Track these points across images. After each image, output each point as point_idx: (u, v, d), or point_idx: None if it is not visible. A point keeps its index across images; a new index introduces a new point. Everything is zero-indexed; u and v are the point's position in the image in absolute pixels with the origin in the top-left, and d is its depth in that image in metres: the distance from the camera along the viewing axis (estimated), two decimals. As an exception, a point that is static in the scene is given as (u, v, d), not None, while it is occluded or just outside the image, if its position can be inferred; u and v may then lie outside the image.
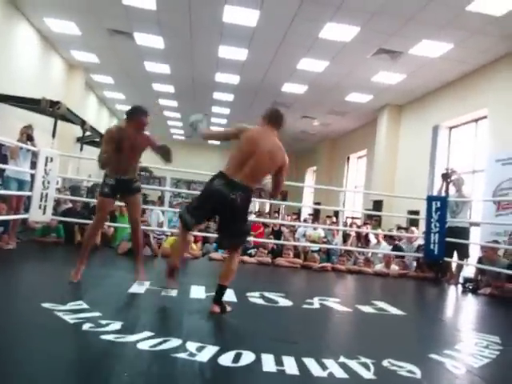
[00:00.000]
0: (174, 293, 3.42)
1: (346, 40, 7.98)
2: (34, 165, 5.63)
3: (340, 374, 2.16)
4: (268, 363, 2.17)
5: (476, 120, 9.02)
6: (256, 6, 7.07)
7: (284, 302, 3.78)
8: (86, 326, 2.44)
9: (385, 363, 2.37)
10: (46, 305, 2.78)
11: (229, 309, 3.12)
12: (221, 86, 11.76)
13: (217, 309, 3.03)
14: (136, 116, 3.77)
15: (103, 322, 2.55)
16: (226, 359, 2.17)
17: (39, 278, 3.92)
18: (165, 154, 3.81)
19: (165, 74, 11.36)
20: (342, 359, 2.36)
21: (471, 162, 9.12)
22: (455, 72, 8.92)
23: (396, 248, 7.10)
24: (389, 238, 7.49)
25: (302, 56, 9.03)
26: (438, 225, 6.53)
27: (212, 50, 9.21)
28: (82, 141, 10.85)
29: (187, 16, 7.72)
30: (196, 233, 7.16)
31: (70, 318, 2.56)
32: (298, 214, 16.19)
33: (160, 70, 11.00)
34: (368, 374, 2.20)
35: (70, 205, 6.65)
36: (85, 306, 2.87)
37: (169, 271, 3.18)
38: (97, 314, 2.70)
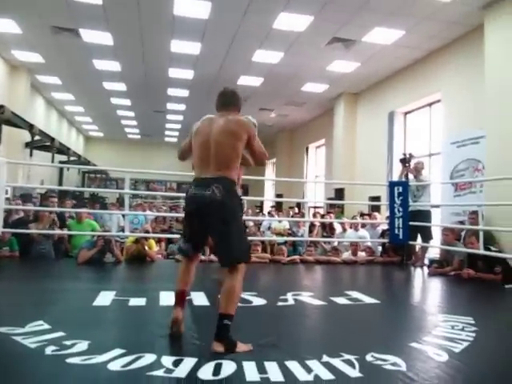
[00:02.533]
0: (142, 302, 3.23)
1: (300, 30, 7.92)
2: (-22, 175, 5.23)
3: (326, 375, 2.09)
4: (251, 372, 2.07)
5: (430, 104, 9.23)
6: (207, -3, 6.87)
7: (258, 301, 3.68)
8: (49, 350, 2.24)
9: (368, 358, 2.33)
10: (1, 329, 2.54)
11: (244, 347, 2.38)
12: (175, 81, 11.45)
13: (219, 347, 2.32)
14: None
15: (68, 342, 2.35)
16: (205, 372, 2.04)
17: (-8, 297, 3.61)
18: None
19: (115, 72, 10.92)
20: (325, 358, 2.29)
21: (427, 146, 9.33)
22: (408, 58, 9.08)
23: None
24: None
25: (257, 48, 8.91)
26: (401, 209, 6.63)
27: (164, 44, 8.91)
28: (31, 146, 10.29)
29: (136, 10, 7.40)
30: (159, 235, 6.98)
31: (30, 342, 2.34)
32: (261, 207, 16.16)
33: (110, 67, 10.56)
34: (354, 372, 2.14)
35: (22, 214, 6.23)
36: (46, 326, 2.64)
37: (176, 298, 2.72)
38: (60, 334, 2.49)
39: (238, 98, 2.86)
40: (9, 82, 10.73)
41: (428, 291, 5.08)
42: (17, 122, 8.80)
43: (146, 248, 5.99)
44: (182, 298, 2.70)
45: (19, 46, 9.49)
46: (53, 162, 11.85)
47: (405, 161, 6.95)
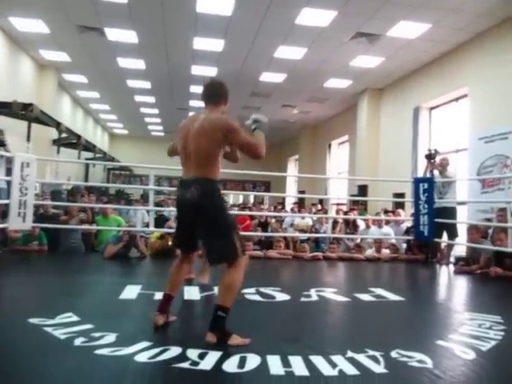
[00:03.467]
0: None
1: (323, 25, 7.85)
2: (9, 171, 5.39)
3: (350, 370, 2.08)
4: (275, 365, 2.07)
5: (457, 99, 9.03)
6: (230, -7, 6.89)
7: (281, 297, 3.68)
8: (78, 341, 2.29)
9: (393, 354, 2.30)
10: (33, 320, 2.62)
11: (239, 340, 2.37)
12: (198, 79, 11.51)
13: (211, 338, 2.36)
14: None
15: (96, 334, 2.40)
16: (230, 365, 2.06)
17: (23, 290, 3.71)
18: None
19: (139, 70, 11.06)
20: (349, 354, 2.28)
21: (454, 142, 9.14)
22: (434, 52, 8.89)
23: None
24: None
25: (280, 44, 8.88)
26: (426, 206, 6.54)
27: (187, 42, 8.98)
28: (58, 143, 10.53)
29: (160, 8, 7.48)
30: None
31: (60, 333, 2.40)
32: (283, 203, 16.13)
33: (134, 65, 10.71)
34: (379, 368, 2.12)
35: (53, 210, 6.40)
36: (75, 318, 2.71)
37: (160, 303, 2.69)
38: (89, 326, 2.55)
39: (225, 91, 2.75)
40: (37, 81, 11.01)
41: (454, 289, 5.00)
42: (45, 119, 9.01)
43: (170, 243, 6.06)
44: (166, 305, 2.66)
45: (47, 45, 9.72)
46: (79, 159, 12.09)
47: (430, 157, 6.82)
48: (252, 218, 8.22)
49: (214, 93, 2.73)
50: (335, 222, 7.58)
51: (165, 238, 6.03)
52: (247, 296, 3.62)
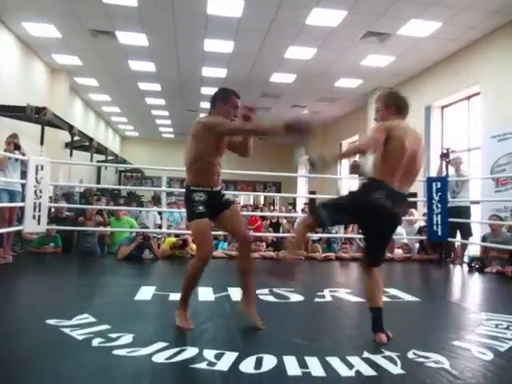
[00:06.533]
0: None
1: (333, 25, 7.83)
2: (23, 174, 5.46)
3: (368, 371, 2.08)
4: (292, 366, 2.08)
5: (468, 97, 8.94)
6: (240, -5, 6.90)
7: (295, 297, 3.68)
8: (95, 342, 2.32)
9: (410, 355, 2.30)
10: (50, 321, 2.66)
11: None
12: (208, 80, 11.56)
13: (385, 338, 2.53)
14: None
15: (113, 335, 2.43)
16: (247, 366, 2.07)
17: (40, 291, 3.76)
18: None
19: (150, 72, 11.13)
20: (366, 355, 2.28)
21: (466, 140, 9.05)
22: (445, 50, 8.82)
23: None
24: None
25: (290, 44, 8.87)
26: (439, 206, 6.47)
27: (197, 43, 9.01)
28: (71, 146, 10.63)
29: (170, 10, 7.52)
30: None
31: (77, 334, 2.44)
32: (294, 204, 16.11)
33: (145, 68, 10.77)
34: (396, 369, 2.11)
35: (67, 213, 6.47)
36: (92, 319, 2.74)
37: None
38: (105, 326, 2.58)
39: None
40: (49, 85, 11.14)
41: (469, 289, 4.95)
42: (57, 123, 9.09)
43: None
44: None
45: (59, 49, 9.83)
46: (91, 161, 12.20)
47: (445, 155, 6.75)
48: (263, 218, 8.24)
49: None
50: (347, 223, 7.54)
51: (176, 248, 5.99)
52: (261, 296, 3.63)
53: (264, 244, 6.46)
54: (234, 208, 2.95)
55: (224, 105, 2.87)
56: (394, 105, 2.77)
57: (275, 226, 8.02)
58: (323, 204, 2.67)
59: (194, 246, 6.27)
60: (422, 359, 2.24)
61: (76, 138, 10.47)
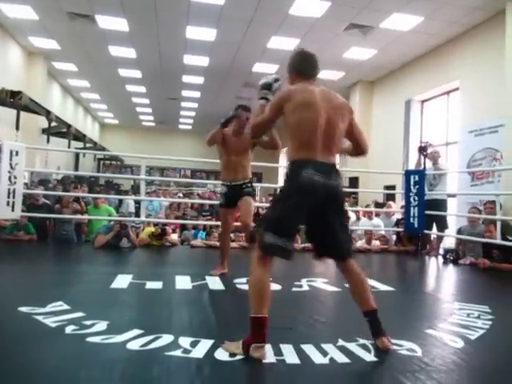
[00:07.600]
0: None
1: (317, 16, 7.82)
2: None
3: (341, 358, 2.10)
4: (267, 353, 2.08)
5: (448, 92, 9.07)
6: (223, -18, 6.81)
7: (272, 287, 3.62)
8: (69, 329, 2.28)
9: (384, 343, 2.32)
10: (22, 308, 2.60)
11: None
12: (190, 68, 11.43)
13: (388, 342, 2.25)
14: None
15: (87, 322, 2.39)
16: (222, 353, 2.07)
17: (13, 279, 3.68)
18: None
19: (131, 59, 10.93)
20: (340, 342, 2.30)
21: (444, 135, 9.19)
22: (426, 45, 8.91)
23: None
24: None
25: (272, 34, 8.83)
26: (416, 198, 6.57)
27: (179, 31, 8.88)
28: (48, 132, 10.40)
29: (151, -5, 7.38)
30: (174, 220, 7.02)
31: (50, 322, 2.39)
32: (274, 195, 16.12)
33: (125, 54, 10.57)
34: (369, 356, 2.15)
35: (43, 200, 6.31)
36: (66, 306, 2.70)
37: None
38: (79, 314, 2.54)
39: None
40: (26, 69, 10.84)
41: (443, 280, 5.05)
42: (34, 108, 8.89)
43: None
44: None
45: (36, 32, 9.56)
46: (69, 148, 11.97)
47: (423, 149, 6.85)
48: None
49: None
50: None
51: (155, 236, 5.97)
52: (239, 285, 3.64)
53: (243, 235, 6.46)
54: (245, 199, 3.90)
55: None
56: (294, 68, 2.38)
57: (256, 216, 8.01)
58: (264, 228, 2.24)
59: (172, 236, 6.25)
60: (395, 347, 2.27)
61: (53, 123, 10.28)
